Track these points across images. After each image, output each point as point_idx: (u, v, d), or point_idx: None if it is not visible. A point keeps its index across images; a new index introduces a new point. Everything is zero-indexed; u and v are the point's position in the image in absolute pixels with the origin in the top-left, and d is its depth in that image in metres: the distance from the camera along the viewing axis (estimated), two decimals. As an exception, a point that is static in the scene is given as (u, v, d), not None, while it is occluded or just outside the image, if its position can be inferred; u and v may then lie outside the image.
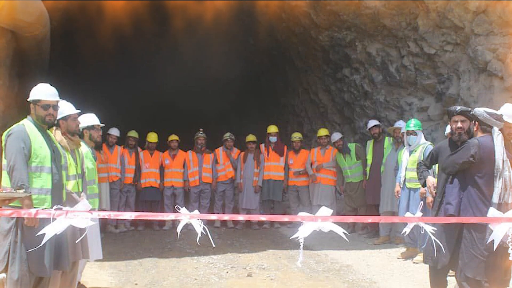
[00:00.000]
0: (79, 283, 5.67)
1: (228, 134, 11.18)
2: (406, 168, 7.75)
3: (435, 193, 5.07)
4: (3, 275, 4.35)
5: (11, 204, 4.12)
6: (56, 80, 6.24)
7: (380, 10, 8.81)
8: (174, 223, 9.59)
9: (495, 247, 4.23)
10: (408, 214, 5.31)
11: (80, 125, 5.55)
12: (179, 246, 8.65)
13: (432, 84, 8.96)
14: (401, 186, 7.82)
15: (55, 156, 4.54)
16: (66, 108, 5.09)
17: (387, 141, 9.14)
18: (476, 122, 4.80)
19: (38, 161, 4.38)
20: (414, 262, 7.51)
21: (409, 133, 7.74)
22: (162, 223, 10.45)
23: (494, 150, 4.59)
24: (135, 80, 15.81)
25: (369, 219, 5.86)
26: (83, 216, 3.74)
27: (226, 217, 4.94)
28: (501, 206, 4.48)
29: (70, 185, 4.90)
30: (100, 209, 7.62)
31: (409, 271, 7.13)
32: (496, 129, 4.67)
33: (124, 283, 6.45)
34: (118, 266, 7.30)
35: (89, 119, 6.18)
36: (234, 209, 11.41)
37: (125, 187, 10.28)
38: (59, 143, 4.80)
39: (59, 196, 4.53)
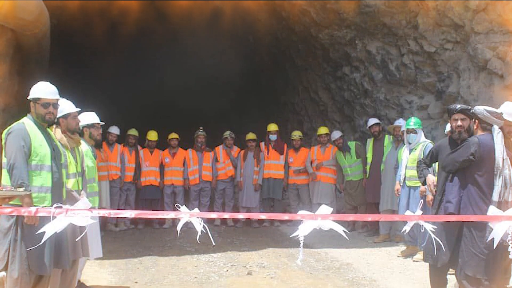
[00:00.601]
0: (79, 281, 5.67)
1: (228, 132, 11.18)
2: (406, 167, 7.75)
3: (435, 191, 5.07)
4: (3, 273, 4.35)
5: (11, 203, 4.12)
6: (56, 78, 6.23)
7: (380, 8, 8.80)
8: (174, 221, 9.58)
9: (495, 245, 4.23)
10: (408, 213, 5.29)
11: (80, 123, 5.54)
12: (179, 245, 8.65)
13: (432, 82, 8.96)
14: (401, 184, 7.82)
15: (55, 154, 4.55)
16: (66, 106, 5.09)
17: (387, 139, 9.14)
18: (476, 121, 4.80)
19: (38, 159, 4.39)
20: (414, 260, 7.51)
21: (409, 131, 7.74)
22: (162, 221, 10.46)
23: (494, 148, 4.60)
24: (135, 78, 15.80)
25: (369, 218, 5.86)
26: (83, 214, 3.74)
27: (226, 215, 4.93)
28: (501, 204, 4.48)
29: (70, 183, 4.91)
30: (100, 208, 7.62)
31: (409, 269, 7.13)
32: (496, 127, 4.67)
33: (124, 281, 6.46)
34: (118, 264, 7.31)
35: (89, 117, 6.17)
36: (234, 207, 11.42)
37: (125, 185, 10.29)
38: (59, 141, 4.80)
39: (59, 194, 4.54)
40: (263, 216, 6.08)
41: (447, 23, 8.07)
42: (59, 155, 4.62)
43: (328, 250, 8.31)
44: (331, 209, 3.84)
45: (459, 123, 4.79)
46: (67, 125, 5.10)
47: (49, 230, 3.67)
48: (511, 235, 4.04)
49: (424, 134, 7.98)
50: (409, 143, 7.76)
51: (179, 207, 3.84)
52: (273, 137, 10.90)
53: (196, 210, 3.90)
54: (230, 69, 14.22)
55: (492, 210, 4.36)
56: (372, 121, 9.49)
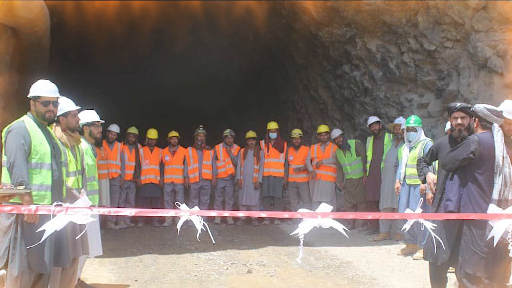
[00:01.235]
0: (79, 279, 5.68)
1: (228, 130, 11.18)
2: (406, 165, 7.75)
3: (435, 189, 5.07)
4: (3, 271, 4.36)
5: (11, 201, 4.12)
6: (56, 76, 6.24)
7: (380, 6, 8.80)
8: (174, 219, 9.59)
9: (495, 244, 4.22)
10: (408, 211, 5.29)
11: (80, 122, 5.55)
12: (179, 243, 8.66)
13: (432, 81, 8.96)
14: (401, 182, 7.82)
15: (55, 152, 4.55)
16: (66, 104, 5.09)
17: (387, 137, 9.15)
18: (476, 119, 4.80)
19: (38, 157, 4.39)
20: (414, 259, 7.52)
21: (409, 129, 7.73)
22: (162, 219, 10.46)
23: (494, 146, 4.59)
24: (135, 76, 15.81)
25: (369, 216, 5.87)
26: (83, 212, 3.75)
27: (226, 213, 4.92)
28: (501, 203, 4.48)
29: (70, 181, 4.91)
30: (100, 206, 7.61)
31: (409, 268, 7.13)
32: (496, 126, 4.67)
33: (124, 279, 6.46)
34: (118, 262, 7.31)
35: (89, 116, 6.17)
36: (234, 205, 11.43)
37: (125, 183, 10.29)
38: (59, 139, 4.80)
39: (59, 193, 4.54)
40: (263, 214, 6.06)
41: (447, 21, 8.07)
42: (59, 153, 4.62)
43: (328, 248, 8.31)
44: (331, 207, 3.84)
45: (459, 121, 4.79)
46: (67, 123, 5.09)
47: (49, 228, 3.67)
48: (511, 233, 4.04)
49: (424, 132, 7.98)
50: (409, 141, 7.76)
51: (179, 205, 3.83)
52: (273, 135, 10.90)
53: (196, 208, 3.90)
54: (230, 67, 14.22)
55: (492, 208, 4.36)
56: (372, 119, 9.49)
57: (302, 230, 3.71)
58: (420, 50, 8.80)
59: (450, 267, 5.07)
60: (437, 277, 5.04)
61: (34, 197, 4.29)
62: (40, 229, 3.72)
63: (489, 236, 4.31)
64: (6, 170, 4.33)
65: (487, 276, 4.57)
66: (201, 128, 11.01)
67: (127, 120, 11.73)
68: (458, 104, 4.91)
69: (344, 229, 3.77)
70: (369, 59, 9.98)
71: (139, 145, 10.66)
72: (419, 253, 7.26)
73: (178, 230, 3.86)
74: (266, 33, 12.42)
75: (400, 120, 8.64)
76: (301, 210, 3.87)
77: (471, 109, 4.82)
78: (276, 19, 11.56)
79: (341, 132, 10.18)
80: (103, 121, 6.51)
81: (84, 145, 5.73)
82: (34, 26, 7.66)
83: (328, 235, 8.43)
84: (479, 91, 7.75)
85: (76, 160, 5.12)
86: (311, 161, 10.57)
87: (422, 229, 4.25)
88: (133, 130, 10.54)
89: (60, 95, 4.70)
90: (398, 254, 7.90)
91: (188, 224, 3.75)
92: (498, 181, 4.55)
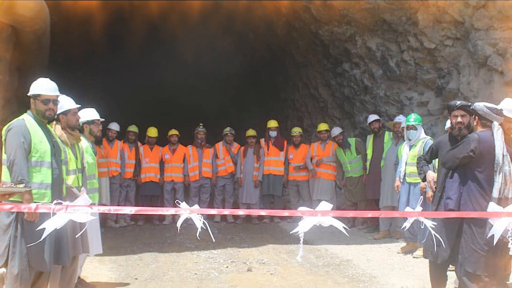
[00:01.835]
0: (79, 277, 5.68)
1: (228, 128, 11.18)
2: (406, 163, 7.75)
3: (435, 187, 5.07)
4: (3, 269, 4.36)
5: (11, 199, 4.13)
6: (56, 74, 6.23)
7: (380, 4, 8.79)
8: (174, 217, 9.61)
9: (495, 242, 4.23)
10: (408, 209, 5.32)
11: (80, 120, 5.55)
12: (179, 241, 8.66)
13: (432, 79, 8.95)
14: (401, 180, 7.82)
15: (55, 150, 4.55)
16: (66, 102, 5.08)
17: (387, 135, 9.15)
18: (476, 117, 4.80)
19: (38, 155, 4.39)
20: (414, 257, 7.52)
21: (409, 127, 7.73)
22: (162, 217, 10.46)
23: (494, 144, 4.59)
24: (135, 74, 15.80)
25: (369, 214, 5.88)
26: (83, 210, 3.75)
27: (226, 211, 4.93)
28: (501, 201, 4.48)
29: (70, 179, 4.91)
30: (100, 204, 7.61)
31: (409, 266, 7.14)
32: (496, 124, 4.67)
33: (124, 277, 6.46)
34: (118, 260, 7.31)
35: (89, 114, 6.17)
36: (234, 203, 11.42)
37: (125, 181, 10.29)
38: (59, 137, 4.80)
39: (59, 191, 4.54)
40: (263, 212, 6.07)
41: (447, 19, 8.06)
42: (59, 152, 4.62)
43: (328, 247, 8.32)
44: (331, 206, 3.84)
45: (459, 119, 4.79)
46: (67, 121, 5.09)
47: (49, 226, 3.67)
48: (511, 232, 4.04)
49: (424, 131, 7.98)
50: (409, 140, 7.76)
51: (179, 204, 3.83)
52: (273, 134, 10.89)
53: (196, 206, 3.91)
54: (230, 65, 14.20)
55: (492, 207, 4.37)
56: (372, 117, 9.49)
57: (302, 228, 3.71)
58: (420, 48, 8.79)
59: (450, 265, 5.07)
60: (437, 275, 5.04)
61: (34, 195, 4.29)
62: (40, 227, 3.72)
63: (489, 234, 4.31)
64: (6, 168, 4.33)
65: (487, 274, 4.57)
66: (201, 126, 11.01)
67: (127, 118, 11.73)
68: (458, 102, 4.90)
69: (344, 227, 3.78)
70: (369, 57, 9.97)
71: (139, 143, 10.66)
72: (419, 251, 7.26)
73: (178, 228, 3.87)
74: (266, 31, 12.41)
75: (400, 118, 8.64)
76: (301, 209, 3.88)
77: (471, 107, 4.82)
78: (276, 17, 11.54)
79: (341, 130, 10.17)
80: (103, 119, 6.50)
81: (84, 143, 5.73)
82: (34, 24, 7.66)
83: (328, 233, 8.42)
84: (479, 89, 7.75)
85: (76, 158, 5.12)
86: (311, 159, 10.56)
87: (422, 227, 4.26)
88: (133, 128, 10.54)
89: (60, 93, 4.70)
90: (398, 252, 7.90)
91: (188, 222, 3.75)
92: (498, 179, 4.55)
